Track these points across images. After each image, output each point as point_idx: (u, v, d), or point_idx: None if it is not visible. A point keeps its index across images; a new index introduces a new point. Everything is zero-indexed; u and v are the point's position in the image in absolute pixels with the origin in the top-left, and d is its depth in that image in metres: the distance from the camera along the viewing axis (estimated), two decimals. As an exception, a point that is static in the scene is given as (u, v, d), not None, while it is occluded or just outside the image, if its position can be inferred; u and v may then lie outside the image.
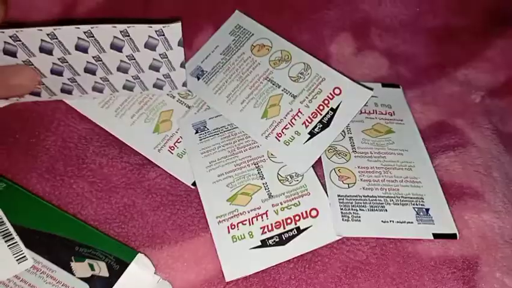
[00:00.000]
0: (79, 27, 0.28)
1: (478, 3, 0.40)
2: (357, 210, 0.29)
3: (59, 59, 0.30)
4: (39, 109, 0.33)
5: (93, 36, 0.28)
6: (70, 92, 0.33)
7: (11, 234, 0.26)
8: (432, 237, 0.28)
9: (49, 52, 0.29)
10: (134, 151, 0.32)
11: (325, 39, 0.38)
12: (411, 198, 0.30)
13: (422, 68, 0.38)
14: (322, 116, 0.32)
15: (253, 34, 0.36)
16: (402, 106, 0.35)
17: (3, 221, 0.27)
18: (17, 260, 0.25)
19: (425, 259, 0.28)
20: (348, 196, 0.30)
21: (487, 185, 0.31)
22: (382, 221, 0.29)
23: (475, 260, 0.28)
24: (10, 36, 0.27)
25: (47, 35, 0.28)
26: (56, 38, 0.28)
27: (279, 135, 0.32)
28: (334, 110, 0.32)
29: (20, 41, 0.28)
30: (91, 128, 0.33)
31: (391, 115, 0.35)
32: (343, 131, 0.33)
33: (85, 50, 0.29)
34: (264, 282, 0.27)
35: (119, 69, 0.31)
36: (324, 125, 0.32)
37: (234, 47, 0.36)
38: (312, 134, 0.31)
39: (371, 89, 0.32)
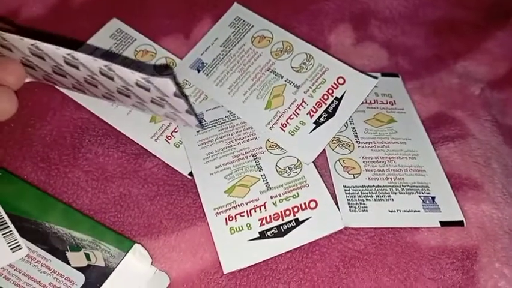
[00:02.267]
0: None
1: (477, -4, 0.40)
2: (363, 201, 0.29)
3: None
4: (35, 98, 0.33)
5: (78, 60, 0.27)
6: (83, 92, 0.32)
7: (6, 223, 0.26)
8: (439, 225, 0.28)
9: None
10: (130, 141, 0.32)
11: (324, 30, 0.38)
12: (416, 186, 0.30)
13: (421, 59, 0.38)
14: (327, 105, 0.32)
15: (253, 26, 0.36)
16: (403, 95, 0.35)
17: None
18: (11, 248, 0.25)
19: (424, 249, 0.28)
20: (354, 187, 0.30)
21: (486, 176, 0.31)
22: (389, 211, 0.29)
23: (474, 251, 0.28)
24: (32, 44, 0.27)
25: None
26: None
27: (284, 125, 0.32)
28: (339, 99, 0.32)
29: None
30: (87, 118, 0.33)
31: (392, 104, 0.34)
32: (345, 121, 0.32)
33: (76, 68, 0.28)
34: (261, 272, 0.27)
35: (119, 92, 0.29)
36: (330, 114, 0.31)
37: (234, 39, 0.36)
38: (317, 124, 0.31)
39: (376, 77, 0.32)
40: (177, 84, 0.32)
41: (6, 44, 0.28)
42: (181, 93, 0.26)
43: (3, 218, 0.26)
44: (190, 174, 0.31)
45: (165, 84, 0.25)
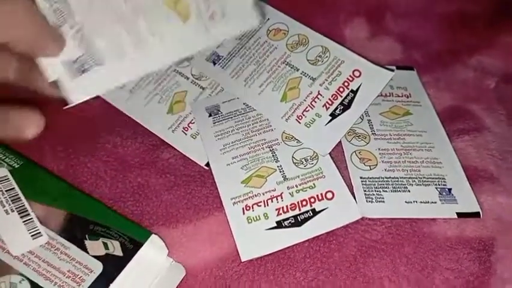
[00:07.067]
0: None
1: (492, -11, 0.40)
2: (380, 192, 0.29)
3: None
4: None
5: None
6: None
7: (27, 211, 0.26)
8: (456, 216, 0.28)
9: None
10: (148, 132, 0.32)
11: (340, 24, 0.38)
12: (433, 178, 0.30)
13: (435, 53, 0.38)
14: (342, 98, 0.32)
15: (268, 19, 0.36)
16: (418, 88, 0.35)
17: (19, 197, 0.27)
18: (32, 235, 0.25)
19: (441, 239, 0.28)
20: (370, 178, 0.30)
21: (502, 168, 0.31)
22: (406, 202, 0.29)
23: (490, 242, 0.28)
24: None
25: None
26: None
27: (300, 117, 0.32)
28: (354, 92, 0.32)
29: None
30: (106, 108, 0.33)
31: (407, 97, 0.35)
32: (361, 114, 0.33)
33: None
34: (278, 260, 0.27)
35: None
36: (345, 106, 0.32)
37: (250, 32, 0.36)
38: (333, 116, 0.32)
39: (392, 70, 0.32)
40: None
41: None
42: None
43: (24, 205, 0.26)
44: (207, 165, 0.31)
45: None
